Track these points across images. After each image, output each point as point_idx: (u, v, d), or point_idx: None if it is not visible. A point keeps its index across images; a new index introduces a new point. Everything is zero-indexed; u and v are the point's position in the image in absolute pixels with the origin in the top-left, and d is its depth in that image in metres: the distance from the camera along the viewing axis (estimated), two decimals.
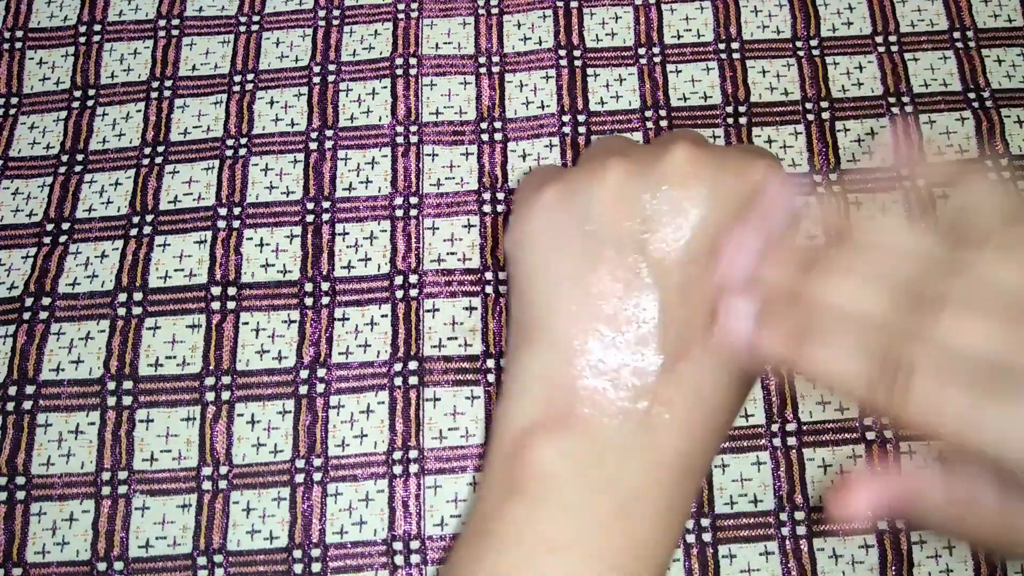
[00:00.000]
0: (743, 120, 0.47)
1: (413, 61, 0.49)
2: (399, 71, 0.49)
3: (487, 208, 0.45)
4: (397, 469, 0.41)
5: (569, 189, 0.27)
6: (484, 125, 0.47)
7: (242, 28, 0.50)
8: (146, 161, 0.47)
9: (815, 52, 0.49)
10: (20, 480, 0.40)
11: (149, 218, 0.45)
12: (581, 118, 0.47)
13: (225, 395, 0.42)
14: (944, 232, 0.24)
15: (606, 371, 0.25)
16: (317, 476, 0.40)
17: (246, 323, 0.43)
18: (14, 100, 0.49)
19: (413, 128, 0.47)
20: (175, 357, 0.42)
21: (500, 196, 0.46)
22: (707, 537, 0.39)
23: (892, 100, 0.47)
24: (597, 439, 0.25)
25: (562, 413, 0.25)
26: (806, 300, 0.24)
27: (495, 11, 0.50)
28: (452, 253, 0.44)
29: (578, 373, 0.25)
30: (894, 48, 0.49)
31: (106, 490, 0.40)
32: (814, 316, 0.24)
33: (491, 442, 0.26)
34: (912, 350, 0.22)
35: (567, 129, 0.47)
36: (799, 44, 0.49)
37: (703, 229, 0.25)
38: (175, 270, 0.44)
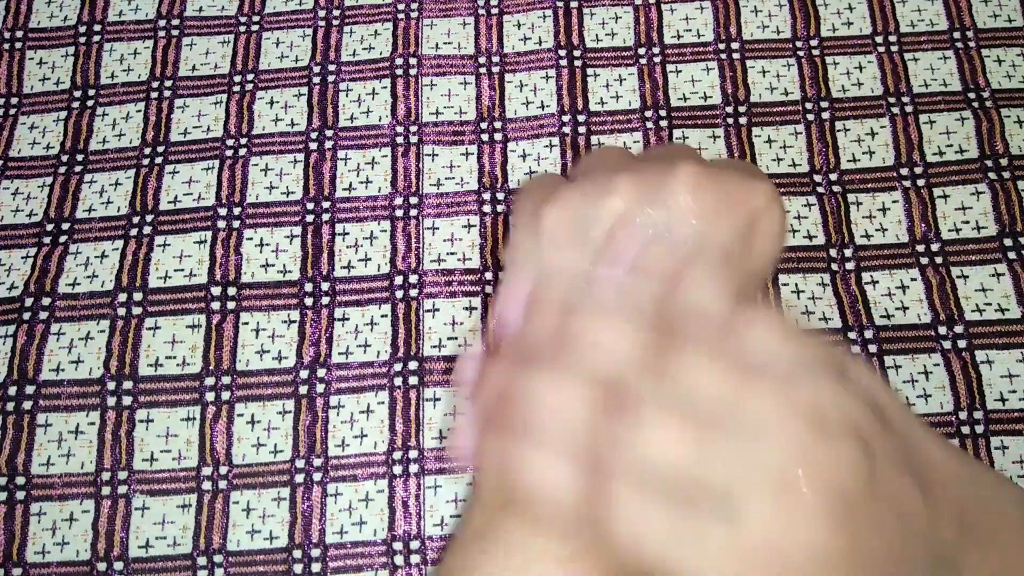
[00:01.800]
0: (743, 120, 0.47)
1: (413, 61, 0.49)
2: (399, 71, 0.49)
3: (487, 208, 0.45)
4: (397, 469, 0.41)
5: (572, 207, 0.26)
6: (484, 125, 0.47)
7: (242, 28, 0.50)
8: (146, 161, 0.47)
9: (815, 52, 0.49)
10: (20, 480, 0.40)
11: (149, 218, 0.45)
12: (581, 118, 0.47)
13: (225, 395, 0.42)
14: (659, 327, 0.23)
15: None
16: (317, 476, 0.40)
17: (246, 323, 0.43)
18: (14, 100, 0.49)
19: (413, 128, 0.47)
20: (175, 357, 0.42)
21: (500, 196, 0.46)
22: None
23: (892, 100, 0.47)
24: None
25: None
26: (515, 399, 0.23)
27: (495, 11, 0.50)
28: (452, 253, 0.44)
29: None
30: (894, 48, 0.49)
31: (106, 490, 0.40)
32: (524, 421, 0.22)
33: None
34: (613, 459, 0.21)
35: (567, 129, 0.47)
36: (799, 44, 0.49)
37: (704, 257, 0.25)
38: (175, 270, 0.44)
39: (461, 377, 0.24)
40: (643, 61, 0.49)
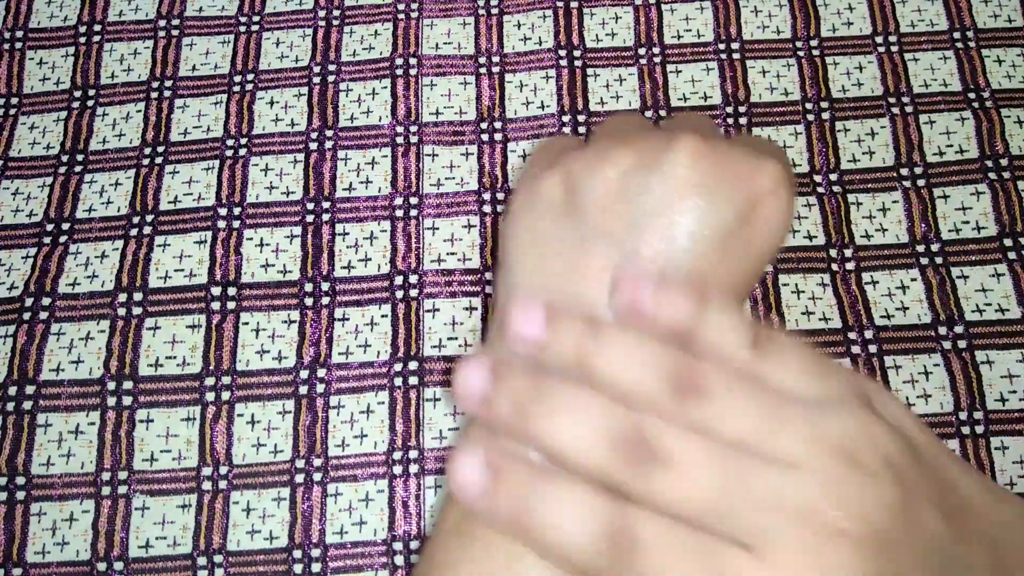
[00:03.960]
0: (743, 120, 0.47)
1: (413, 61, 0.49)
2: (399, 71, 0.49)
3: (487, 208, 0.45)
4: (397, 469, 0.41)
5: (572, 177, 0.26)
6: (484, 125, 0.47)
7: (242, 28, 0.50)
8: (146, 161, 0.47)
9: (815, 52, 0.49)
10: (20, 480, 0.40)
11: (149, 218, 0.45)
12: (581, 118, 0.47)
13: (225, 395, 0.42)
14: (685, 361, 0.22)
15: None
16: (317, 476, 0.40)
17: (246, 323, 0.43)
18: (14, 100, 0.49)
19: (413, 128, 0.47)
20: (175, 357, 0.42)
21: (500, 196, 0.46)
22: None
23: (892, 100, 0.47)
24: None
25: None
26: (534, 428, 0.22)
27: (495, 11, 0.50)
28: (452, 253, 0.44)
29: None
30: (894, 48, 0.49)
31: (106, 490, 0.40)
32: (541, 449, 0.21)
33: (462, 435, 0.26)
34: (638, 499, 0.20)
35: (567, 129, 0.47)
36: (799, 44, 0.49)
37: (701, 231, 0.24)
38: (175, 270, 0.44)
39: (465, 388, 0.23)
40: (643, 61, 0.49)
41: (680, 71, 0.48)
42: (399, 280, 0.44)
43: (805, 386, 0.22)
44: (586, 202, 0.25)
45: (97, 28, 0.51)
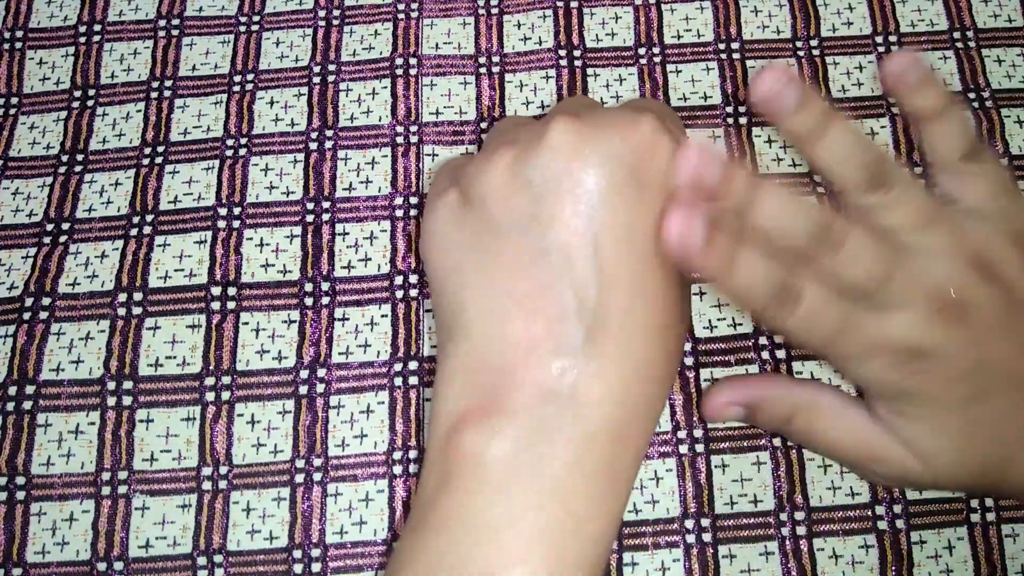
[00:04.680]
0: (743, 120, 0.47)
1: (413, 61, 0.49)
2: (399, 71, 0.49)
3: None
4: (397, 469, 0.41)
5: (464, 185, 0.27)
6: (484, 125, 0.47)
7: (242, 28, 0.50)
8: (146, 161, 0.47)
9: (815, 52, 0.49)
10: (20, 480, 0.40)
11: (149, 218, 0.45)
12: None
13: (225, 395, 0.42)
14: (876, 164, 0.28)
15: (526, 352, 0.25)
16: (317, 476, 0.40)
17: (246, 323, 0.43)
18: (14, 100, 0.49)
19: (413, 128, 0.47)
20: (175, 357, 0.42)
21: None
22: (707, 537, 0.39)
23: (892, 100, 0.47)
24: (525, 419, 0.25)
25: (488, 398, 0.25)
26: (743, 219, 0.27)
27: (495, 11, 0.50)
28: None
29: (498, 358, 0.25)
30: (894, 48, 0.49)
31: (106, 490, 0.40)
32: (744, 235, 0.27)
33: (428, 437, 0.27)
34: (813, 269, 0.27)
35: None
36: (799, 44, 0.49)
37: (595, 196, 0.25)
38: (175, 270, 0.44)
39: (696, 167, 0.26)
40: (643, 61, 0.49)
41: (680, 71, 0.48)
42: (399, 280, 0.44)
43: (984, 199, 0.31)
44: (485, 204, 0.26)
45: (97, 28, 0.51)
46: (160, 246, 0.45)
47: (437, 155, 0.47)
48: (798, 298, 0.27)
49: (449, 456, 0.25)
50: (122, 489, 0.40)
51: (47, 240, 0.45)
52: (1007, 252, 0.29)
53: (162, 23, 0.51)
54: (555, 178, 0.25)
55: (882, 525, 0.39)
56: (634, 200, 0.26)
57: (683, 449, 0.40)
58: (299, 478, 0.40)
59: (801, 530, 0.39)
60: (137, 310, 0.43)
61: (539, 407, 0.25)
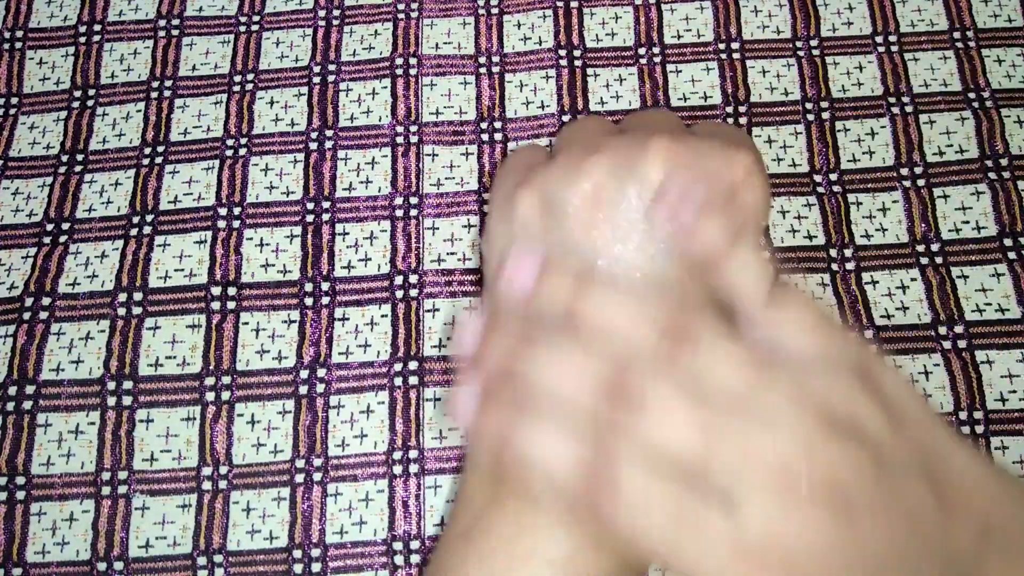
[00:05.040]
0: (743, 120, 0.47)
1: (413, 61, 0.49)
2: (399, 71, 0.49)
3: (487, 208, 0.45)
4: (397, 469, 0.41)
5: (544, 193, 0.26)
6: (484, 125, 0.47)
7: (242, 28, 0.50)
8: (146, 161, 0.47)
9: (815, 52, 0.49)
10: (20, 480, 0.40)
11: (149, 218, 0.45)
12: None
13: (225, 395, 0.42)
14: (682, 309, 0.22)
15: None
16: (317, 476, 0.40)
17: (246, 323, 0.43)
18: (14, 100, 0.49)
19: (413, 128, 0.47)
20: (175, 357, 0.42)
21: None
22: None
23: (892, 100, 0.47)
24: None
25: None
26: (519, 370, 0.22)
27: (495, 11, 0.50)
28: (452, 253, 0.44)
29: None
30: (894, 48, 0.49)
31: (106, 490, 0.40)
32: (527, 394, 0.22)
33: (472, 439, 0.26)
34: (618, 440, 0.21)
35: None
36: (799, 44, 0.49)
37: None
38: (175, 270, 0.44)
39: (460, 343, 0.24)
40: (643, 61, 0.49)
41: (680, 71, 0.48)
42: (399, 280, 0.44)
43: (805, 343, 0.22)
44: (563, 215, 0.25)
45: (97, 28, 0.51)
46: (160, 246, 0.45)
47: (437, 155, 0.47)
48: (609, 484, 0.21)
49: (502, 473, 0.24)
50: (122, 489, 0.40)
51: (47, 240, 0.45)
52: (857, 396, 0.21)
53: (162, 23, 0.50)
54: (644, 206, 0.24)
55: None
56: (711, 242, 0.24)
57: None
58: (299, 478, 0.40)
59: None
60: (137, 310, 0.43)
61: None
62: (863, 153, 0.46)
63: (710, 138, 0.26)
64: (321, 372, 0.42)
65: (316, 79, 0.49)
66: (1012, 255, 0.43)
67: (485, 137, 0.47)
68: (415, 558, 0.39)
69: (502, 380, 0.23)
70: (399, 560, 0.39)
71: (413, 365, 0.42)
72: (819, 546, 0.20)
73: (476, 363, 0.23)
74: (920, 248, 0.44)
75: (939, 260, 0.44)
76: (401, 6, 0.50)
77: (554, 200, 0.25)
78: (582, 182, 0.25)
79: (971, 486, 0.22)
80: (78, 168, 0.47)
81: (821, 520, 0.20)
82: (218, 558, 0.39)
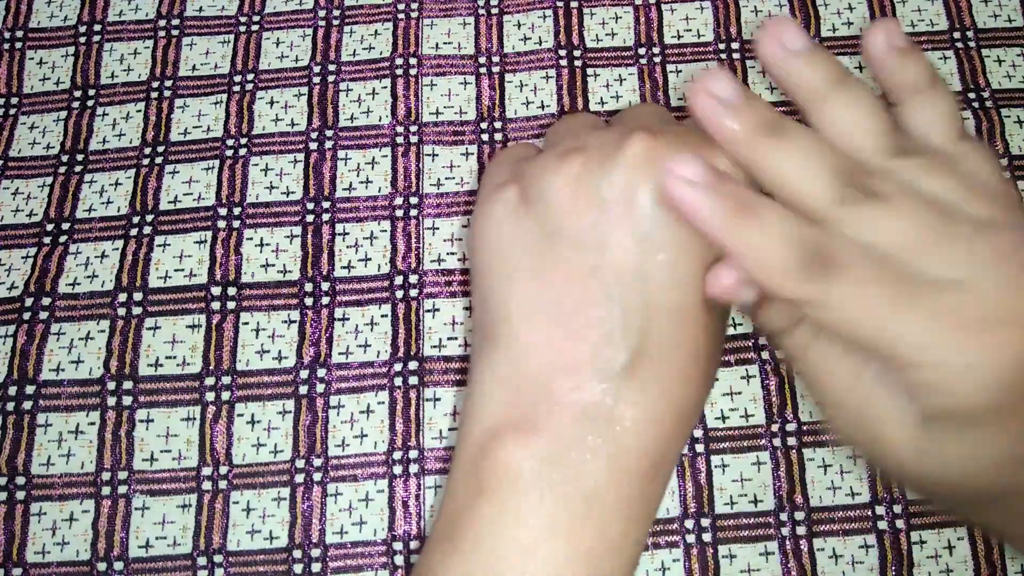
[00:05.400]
0: None
1: (413, 61, 0.49)
2: (399, 71, 0.49)
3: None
4: (397, 469, 0.41)
5: (526, 184, 0.26)
6: (484, 125, 0.47)
7: (242, 28, 0.50)
8: (146, 161, 0.47)
9: None
10: (20, 480, 0.40)
11: (149, 218, 0.45)
12: None
13: (225, 395, 0.42)
14: (894, 132, 0.25)
15: (568, 371, 0.25)
16: (317, 476, 0.40)
17: (246, 323, 0.43)
18: (14, 100, 0.49)
19: (413, 128, 0.47)
20: (175, 357, 0.42)
21: None
22: (707, 537, 0.39)
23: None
24: (562, 438, 0.24)
25: (526, 413, 0.24)
26: (752, 171, 0.24)
27: (495, 11, 0.50)
28: (452, 253, 0.44)
29: (539, 373, 0.25)
30: None
31: (106, 490, 0.40)
32: (753, 193, 0.24)
33: (458, 443, 0.26)
34: (837, 244, 0.23)
35: None
36: None
37: (661, 222, 0.24)
38: (175, 270, 0.44)
39: (716, 90, 0.25)
40: (643, 61, 0.49)
41: (680, 71, 0.48)
42: (399, 280, 0.44)
43: (995, 182, 0.24)
44: (546, 206, 0.25)
45: (97, 28, 0.51)
46: (160, 246, 0.45)
47: (437, 155, 0.47)
48: (839, 264, 0.22)
49: (483, 468, 0.24)
50: (122, 489, 0.40)
51: (47, 240, 0.45)
52: None
53: (162, 23, 0.51)
54: (624, 198, 0.24)
55: (882, 525, 0.39)
56: (694, 230, 0.24)
57: (683, 449, 0.40)
58: (299, 478, 0.40)
59: (801, 530, 0.39)
60: (137, 310, 0.43)
61: (577, 427, 0.24)
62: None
63: (692, 127, 0.26)
64: (321, 372, 0.42)
65: (316, 79, 0.49)
66: None
67: (485, 137, 0.47)
68: (415, 558, 0.39)
69: (732, 174, 0.24)
70: (399, 560, 0.39)
71: (413, 365, 0.42)
72: None
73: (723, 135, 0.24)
74: None
75: None
76: (401, 6, 0.50)
77: (535, 191, 0.26)
78: (562, 173, 0.25)
79: None
80: (78, 168, 0.47)
81: None
82: (218, 558, 0.39)
